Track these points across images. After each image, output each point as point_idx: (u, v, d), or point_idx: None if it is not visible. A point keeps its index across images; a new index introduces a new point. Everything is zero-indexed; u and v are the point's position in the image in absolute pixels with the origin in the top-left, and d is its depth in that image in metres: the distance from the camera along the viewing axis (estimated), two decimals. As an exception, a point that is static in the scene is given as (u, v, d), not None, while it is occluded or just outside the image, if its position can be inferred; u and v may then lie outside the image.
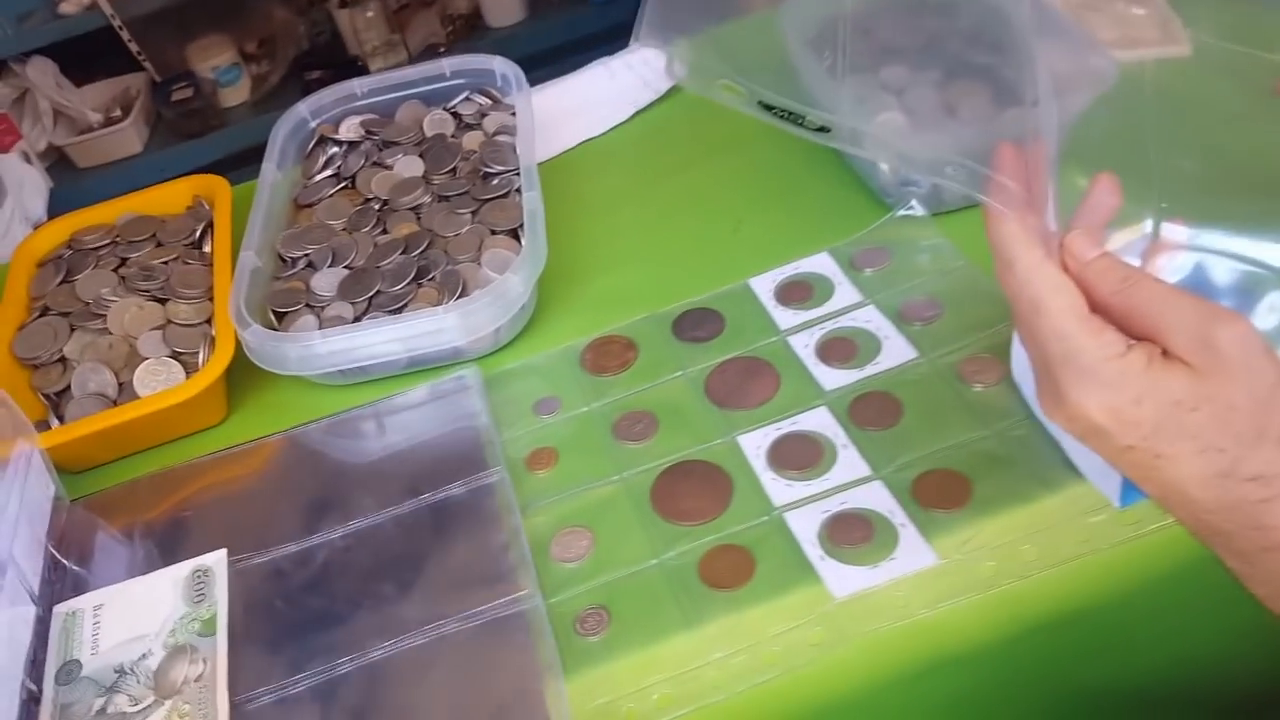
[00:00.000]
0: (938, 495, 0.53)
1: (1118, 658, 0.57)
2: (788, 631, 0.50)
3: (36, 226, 1.53)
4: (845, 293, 0.65)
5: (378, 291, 0.68)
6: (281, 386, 0.69)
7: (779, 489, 0.56)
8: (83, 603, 0.56)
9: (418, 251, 0.70)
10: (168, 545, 0.60)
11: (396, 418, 0.66)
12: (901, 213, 0.68)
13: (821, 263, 0.68)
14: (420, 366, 0.67)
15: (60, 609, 0.56)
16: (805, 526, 0.53)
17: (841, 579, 0.51)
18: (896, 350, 0.61)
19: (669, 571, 0.54)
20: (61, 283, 0.75)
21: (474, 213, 0.73)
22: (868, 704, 0.52)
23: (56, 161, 1.99)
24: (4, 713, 0.51)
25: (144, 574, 0.57)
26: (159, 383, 0.67)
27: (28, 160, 1.89)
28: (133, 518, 0.62)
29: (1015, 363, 0.56)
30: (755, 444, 0.58)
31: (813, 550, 0.52)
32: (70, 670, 0.54)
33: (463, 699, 0.50)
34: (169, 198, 0.82)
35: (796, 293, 0.66)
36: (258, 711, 0.51)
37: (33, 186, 1.86)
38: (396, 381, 0.68)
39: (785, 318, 0.65)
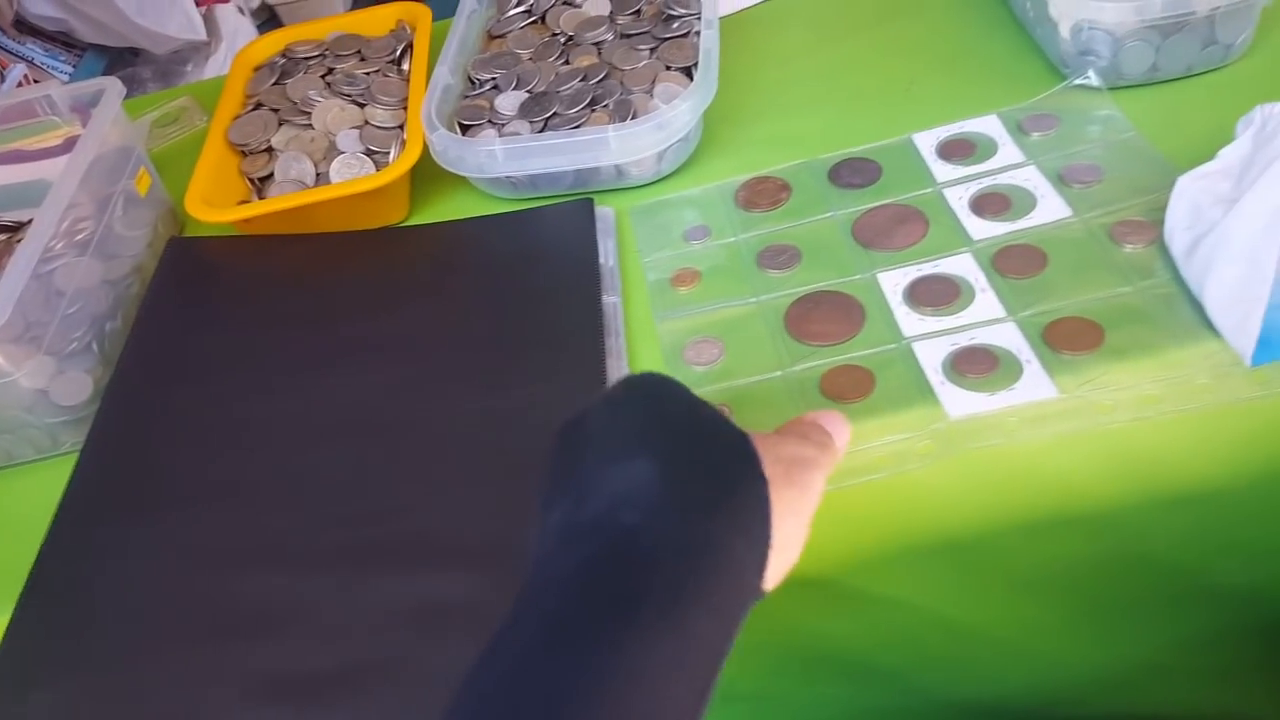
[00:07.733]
0: (1068, 339, 0.54)
1: (1249, 551, 0.57)
2: (900, 441, 0.52)
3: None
4: (1008, 153, 0.66)
5: (554, 113, 0.73)
6: (460, 196, 0.75)
7: (911, 322, 0.58)
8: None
9: (595, 80, 0.74)
10: None
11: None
12: (1077, 82, 0.67)
13: (988, 124, 0.68)
14: (585, 188, 0.72)
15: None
16: (931, 356, 0.55)
17: (958, 401, 0.53)
18: (1051, 208, 0.61)
19: (792, 383, 0.57)
20: (274, 84, 0.82)
21: (652, 50, 0.76)
22: (979, 543, 0.54)
23: (266, 20, 2.13)
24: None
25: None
26: (352, 173, 0.73)
27: (241, 13, 2.03)
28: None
29: (1168, 221, 0.56)
30: (894, 281, 0.60)
31: (935, 376, 0.54)
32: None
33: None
34: (375, 21, 0.88)
35: (959, 149, 0.67)
36: None
37: (245, 38, 2.00)
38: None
39: (944, 171, 0.66)
